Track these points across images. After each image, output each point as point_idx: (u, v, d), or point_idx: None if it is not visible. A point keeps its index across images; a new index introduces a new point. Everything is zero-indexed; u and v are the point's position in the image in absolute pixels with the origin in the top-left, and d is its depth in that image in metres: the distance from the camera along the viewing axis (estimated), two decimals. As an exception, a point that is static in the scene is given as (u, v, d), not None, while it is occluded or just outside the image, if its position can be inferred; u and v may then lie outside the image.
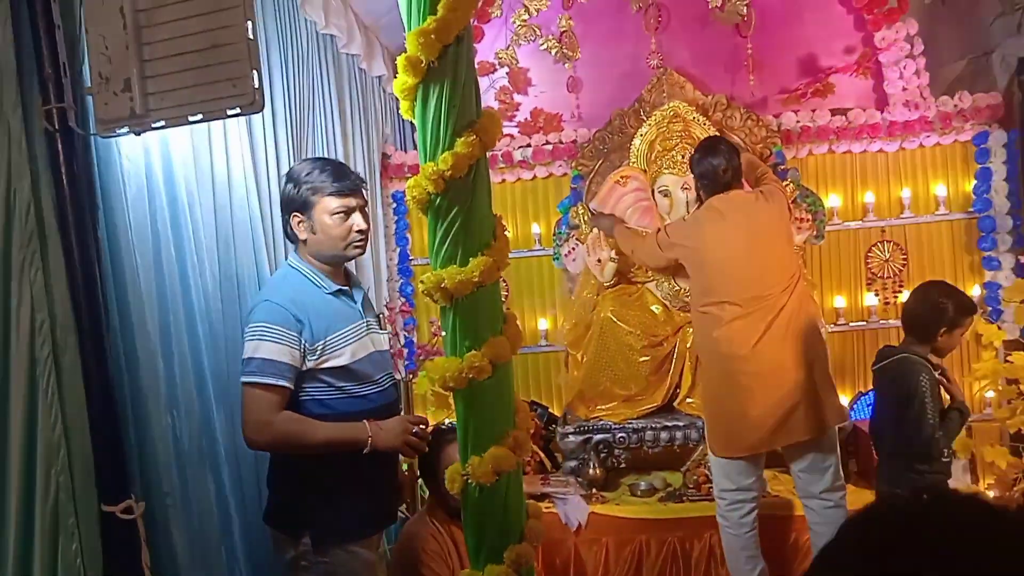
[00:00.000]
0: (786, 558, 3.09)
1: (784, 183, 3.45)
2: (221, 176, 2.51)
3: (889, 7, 3.85)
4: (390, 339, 2.51)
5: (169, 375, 2.17)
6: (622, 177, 3.74)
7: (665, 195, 3.65)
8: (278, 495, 2.16)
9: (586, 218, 3.88)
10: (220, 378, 2.36)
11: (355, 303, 2.17)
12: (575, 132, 4.09)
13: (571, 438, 3.53)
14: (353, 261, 2.28)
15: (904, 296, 3.56)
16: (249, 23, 1.68)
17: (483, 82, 4.13)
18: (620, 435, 3.48)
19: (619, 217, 3.64)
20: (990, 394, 3.64)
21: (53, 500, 1.73)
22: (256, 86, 1.68)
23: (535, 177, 4.17)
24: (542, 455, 3.71)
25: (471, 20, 1.56)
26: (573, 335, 3.76)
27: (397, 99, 1.60)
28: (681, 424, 3.45)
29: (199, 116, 1.75)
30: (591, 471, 3.45)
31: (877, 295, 3.89)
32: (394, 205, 4.28)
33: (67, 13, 1.81)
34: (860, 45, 4.00)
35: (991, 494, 3.45)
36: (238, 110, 1.72)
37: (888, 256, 3.88)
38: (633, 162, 3.82)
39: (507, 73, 4.26)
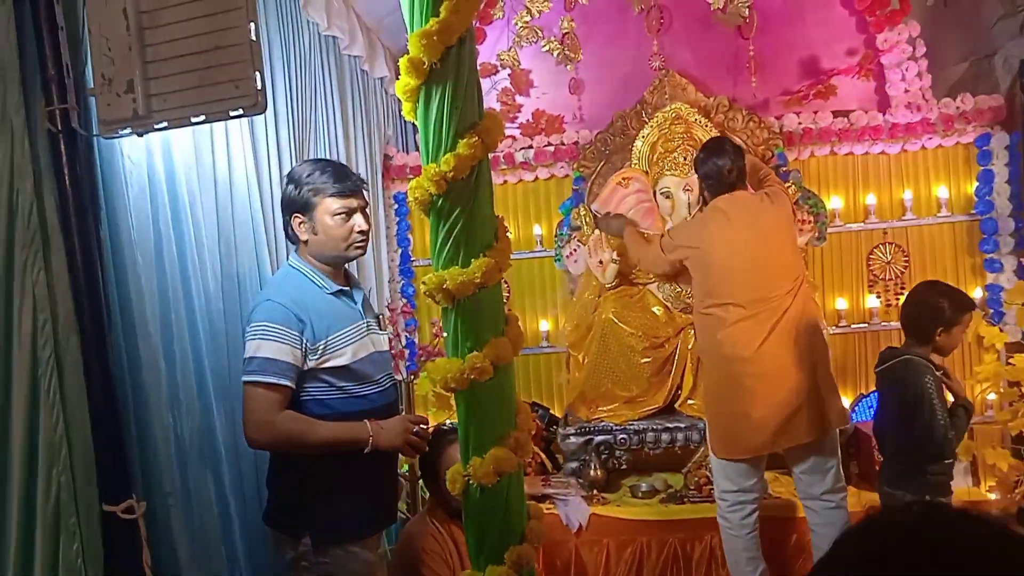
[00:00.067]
0: (787, 559, 3.09)
1: (786, 185, 3.45)
2: (223, 177, 2.51)
3: (891, 9, 3.85)
4: (391, 340, 2.51)
5: (170, 375, 2.17)
6: (624, 178, 3.75)
7: (667, 196, 3.65)
8: (278, 495, 2.16)
9: (587, 219, 3.88)
10: (221, 378, 2.36)
11: (355, 303, 2.18)
12: (577, 133, 4.09)
13: (572, 439, 3.53)
14: (354, 262, 2.29)
15: (905, 298, 3.56)
16: (252, 25, 1.68)
17: (485, 84, 4.13)
18: (621, 436, 3.48)
19: (631, 219, 3.62)
20: (992, 396, 3.63)
21: (54, 500, 1.73)
22: (259, 87, 1.69)
23: (537, 178, 4.17)
24: (543, 456, 3.71)
25: (473, 22, 1.56)
26: (574, 336, 3.76)
27: (399, 100, 1.60)
28: (682, 426, 3.45)
29: (202, 117, 1.75)
30: (592, 472, 3.45)
31: (879, 297, 3.89)
32: (396, 206, 4.28)
33: (70, 14, 1.82)
34: (862, 47, 4.00)
35: (992, 496, 3.44)
36: (241, 111, 1.73)
37: (890, 258, 3.88)
38: (635, 164, 3.82)
39: (509, 75, 4.27)
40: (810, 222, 3.68)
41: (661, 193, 3.67)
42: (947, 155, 3.83)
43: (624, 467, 3.53)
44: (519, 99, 4.32)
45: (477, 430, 1.61)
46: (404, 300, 4.19)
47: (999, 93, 3.73)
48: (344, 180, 2.09)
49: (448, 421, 2.72)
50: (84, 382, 1.80)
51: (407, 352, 3.88)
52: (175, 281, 2.22)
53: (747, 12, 3.86)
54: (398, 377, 2.63)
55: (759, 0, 3.89)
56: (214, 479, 2.32)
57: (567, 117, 4.24)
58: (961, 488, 3.16)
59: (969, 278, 3.78)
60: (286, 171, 2.66)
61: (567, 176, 4.10)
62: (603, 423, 3.53)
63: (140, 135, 1.82)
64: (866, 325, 3.88)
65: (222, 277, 2.46)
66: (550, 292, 4.16)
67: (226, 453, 2.36)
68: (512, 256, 1.66)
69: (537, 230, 4.15)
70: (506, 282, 3.92)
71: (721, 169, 2.87)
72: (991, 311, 3.70)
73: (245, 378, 1.97)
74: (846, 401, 3.48)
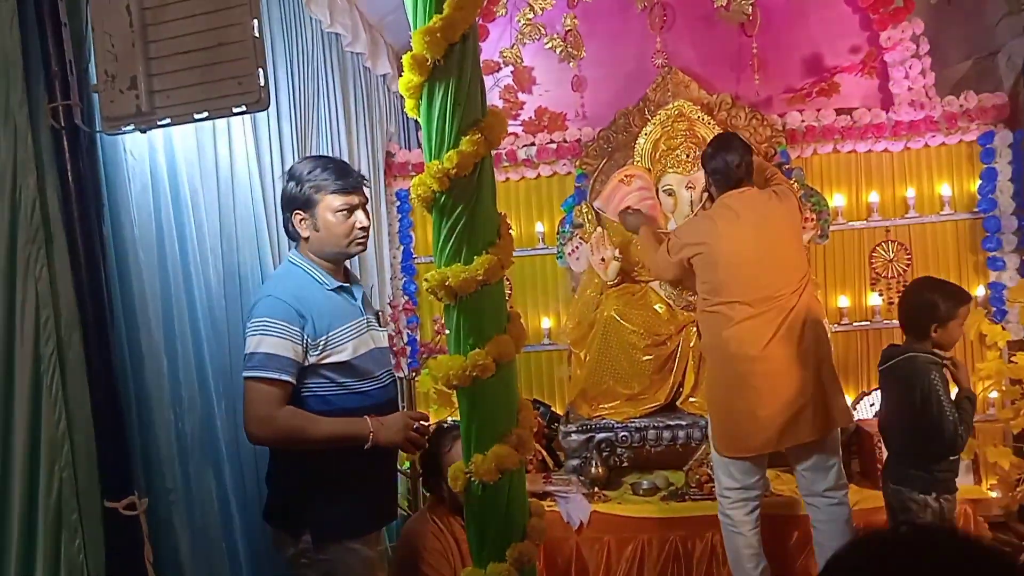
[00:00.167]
0: (789, 557, 3.09)
1: (789, 182, 3.44)
2: (225, 173, 2.51)
3: (895, 7, 3.85)
4: (392, 337, 2.51)
5: (172, 371, 2.17)
6: (626, 176, 3.75)
7: (669, 194, 3.65)
8: (277, 493, 2.16)
9: (590, 217, 3.88)
10: (222, 374, 2.36)
11: (355, 300, 2.18)
12: (579, 131, 4.09)
13: (574, 437, 3.53)
14: (355, 259, 2.29)
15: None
16: (255, 21, 1.68)
17: (488, 81, 4.12)
18: (622, 434, 3.48)
19: (650, 216, 3.59)
20: (994, 395, 3.63)
21: (56, 496, 1.73)
22: (261, 84, 1.68)
23: (539, 176, 4.17)
24: (544, 454, 3.71)
25: (476, 19, 1.56)
26: (576, 334, 3.76)
27: (402, 97, 1.60)
28: (684, 423, 3.45)
29: (205, 114, 1.75)
30: (593, 470, 3.45)
31: (881, 295, 3.88)
32: (398, 203, 4.28)
33: (73, 11, 1.81)
34: (865, 45, 4.00)
35: (994, 495, 3.44)
36: (244, 108, 1.72)
37: (892, 256, 3.88)
38: (637, 161, 3.82)
39: (512, 72, 4.27)
40: (813, 220, 3.68)
41: (663, 191, 3.67)
42: (950, 153, 3.83)
43: (625, 464, 3.53)
44: (522, 96, 4.32)
45: (479, 427, 1.61)
46: (406, 297, 4.19)
47: (1002, 91, 3.72)
48: (345, 177, 2.10)
49: (449, 418, 2.73)
50: (86, 378, 1.80)
51: (409, 349, 3.89)
52: (177, 277, 2.23)
53: (750, 9, 3.85)
54: (398, 374, 2.64)
55: (762, -3, 3.89)
56: (215, 475, 2.32)
57: (570, 114, 4.24)
58: (963, 486, 3.15)
59: (972, 276, 3.78)
60: (288, 168, 2.66)
61: (569, 173, 4.10)
62: (604, 420, 3.54)
63: (143, 131, 1.82)
64: (868, 323, 3.88)
65: (224, 273, 2.46)
66: (552, 289, 4.17)
67: (227, 449, 2.36)
68: (514, 253, 1.66)
69: (539, 227, 4.15)
70: (508, 279, 3.92)
71: (729, 164, 2.86)
72: (993, 309, 3.70)
73: (246, 374, 1.97)
74: (848, 399, 3.47)
